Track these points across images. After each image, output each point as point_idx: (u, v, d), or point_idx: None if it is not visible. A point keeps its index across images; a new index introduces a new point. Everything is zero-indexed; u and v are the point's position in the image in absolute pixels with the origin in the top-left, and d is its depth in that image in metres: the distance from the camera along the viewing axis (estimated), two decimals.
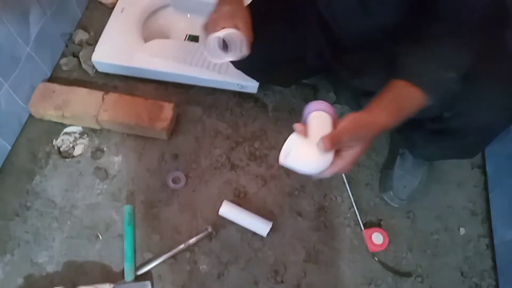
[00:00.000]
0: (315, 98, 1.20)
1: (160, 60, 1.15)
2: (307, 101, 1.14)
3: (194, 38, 1.30)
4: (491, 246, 1.02)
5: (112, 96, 1.12)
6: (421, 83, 0.61)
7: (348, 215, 1.05)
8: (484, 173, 1.10)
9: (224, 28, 0.76)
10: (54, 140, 1.12)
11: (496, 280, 0.98)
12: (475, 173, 1.11)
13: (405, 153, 1.04)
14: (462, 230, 1.04)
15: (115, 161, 1.10)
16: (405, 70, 0.63)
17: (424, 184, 1.05)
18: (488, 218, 1.05)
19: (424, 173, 1.04)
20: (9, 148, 1.08)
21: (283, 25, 0.87)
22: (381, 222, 1.04)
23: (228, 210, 1.01)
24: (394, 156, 1.06)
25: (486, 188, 1.08)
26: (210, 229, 1.00)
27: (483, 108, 0.71)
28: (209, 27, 0.78)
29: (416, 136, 0.90)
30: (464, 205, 1.07)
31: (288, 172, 1.09)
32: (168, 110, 1.10)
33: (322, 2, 0.82)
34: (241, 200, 1.06)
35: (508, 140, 1.00)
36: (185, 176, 1.07)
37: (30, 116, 1.14)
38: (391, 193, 1.03)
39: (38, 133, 1.13)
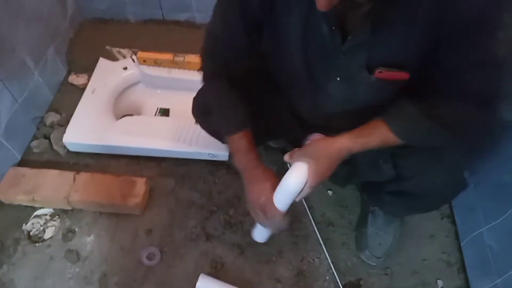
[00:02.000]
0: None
1: (131, 137, 1.18)
2: (277, 165, 1.20)
3: (164, 112, 1.35)
4: None
5: (83, 176, 1.12)
6: (388, 119, 0.68)
7: (327, 277, 1.04)
8: (453, 222, 1.13)
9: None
10: (24, 224, 1.10)
11: None
12: (445, 223, 1.14)
13: (376, 210, 1.07)
14: (440, 283, 1.04)
15: (87, 241, 1.08)
16: (385, 111, 0.70)
17: (398, 240, 1.07)
18: (463, 268, 1.06)
19: (397, 228, 1.06)
20: None
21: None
22: (361, 282, 1.04)
23: (204, 284, 0.99)
24: (366, 214, 1.09)
25: (457, 238, 1.11)
26: None
27: (429, 174, 0.75)
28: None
29: (381, 195, 0.93)
30: (438, 256, 1.08)
31: None
32: (140, 185, 1.11)
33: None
34: (218, 272, 1.04)
35: (468, 193, 1.03)
36: (160, 251, 1.06)
37: None
38: (367, 252, 1.04)
39: (7, 220, 1.10)
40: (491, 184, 0.94)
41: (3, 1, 1.04)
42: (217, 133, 0.97)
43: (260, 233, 0.91)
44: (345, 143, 0.70)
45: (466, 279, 1.04)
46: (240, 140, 0.79)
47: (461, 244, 1.07)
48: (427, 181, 0.76)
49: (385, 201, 0.96)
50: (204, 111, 0.91)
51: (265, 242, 1.06)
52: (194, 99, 0.95)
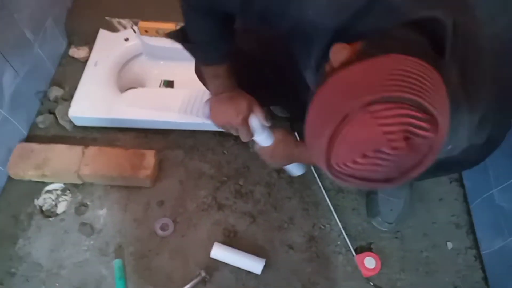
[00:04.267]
0: (292, 129, 1.23)
1: (137, 109, 1.17)
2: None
3: (169, 83, 1.33)
4: (479, 257, 1.05)
5: (92, 150, 1.12)
6: None
7: (339, 242, 1.06)
8: (462, 186, 1.14)
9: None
10: (35, 200, 1.10)
11: None
12: (454, 187, 1.15)
13: None
14: (450, 245, 1.06)
15: (100, 214, 1.09)
16: None
17: (409, 205, 1.08)
18: (472, 230, 1.08)
19: (407, 193, 1.07)
20: None
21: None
22: (372, 246, 1.06)
23: (219, 252, 1.01)
24: None
25: (466, 201, 1.12)
26: (203, 274, 0.98)
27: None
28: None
29: None
30: (448, 219, 1.10)
31: (275, 206, 1.10)
32: (150, 158, 1.11)
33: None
34: (231, 240, 1.05)
35: None
36: (173, 222, 1.07)
37: (9, 178, 1.12)
38: (379, 218, 1.05)
39: (19, 195, 1.11)
40: (503, 145, 0.94)
41: None
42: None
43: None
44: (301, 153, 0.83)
45: (475, 240, 1.06)
46: (218, 68, 0.78)
47: (471, 206, 1.09)
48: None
49: None
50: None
51: (276, 209, 1.08)
52: None
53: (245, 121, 0.81)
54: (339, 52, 0.50)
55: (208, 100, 0.86)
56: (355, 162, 0.44)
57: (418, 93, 0.42)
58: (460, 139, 0.60)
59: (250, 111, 0.81)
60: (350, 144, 0.44)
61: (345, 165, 0.45)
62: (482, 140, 0.68)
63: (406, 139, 0.42)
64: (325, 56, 0.54)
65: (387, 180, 0.47)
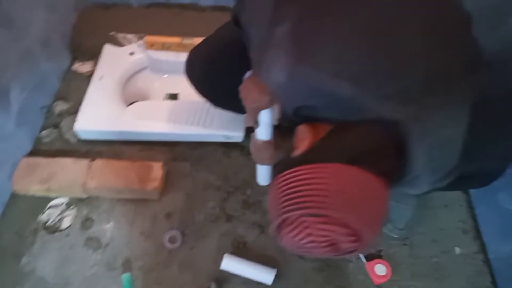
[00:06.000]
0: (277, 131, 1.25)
1: (144, 122, 1.17)
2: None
3: (173, 96, 1.34)
4: (487, 261, 1.05)
5: (98, 163, 1.11)
6: None
7: None
8: (467, 191, 1.16)
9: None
10: (39, 215, 1.08)
11: None
12: (458, 193, 1.16)
13: None
14: (458, 250, 1.07)
15: (106, 228, 1.07)
16: None
17: (416, 210, 1.09)
18: (478, 235, 1.09)
19: (414, 199, 1.09)
20: None
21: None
22: (381, 253, 1.06)
23: (230, 264, 1.00)
24: None
25: (470, 206, 1.13)
26: (214, 286, 0.97)
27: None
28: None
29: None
30: (454, 225, 1.11)
31: None
32: (157, 170, 1.10)
33: None
34: (241, 251, 1.05)
35: None
36: (181, 234, 1.06)
37: (12, 194, 1.10)
38: (390, 225, 1.06)
39: (22, 211, 1.09)
40: None
41: None
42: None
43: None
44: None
45: (482, 245, 1.07)
46: None
47: (476, 211, 1.10)
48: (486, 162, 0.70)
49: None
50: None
51: None
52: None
53: (270, 103, 0.83)
54: (301, 135, 0.63)
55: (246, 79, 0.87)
56: (296, 248, 0.57)
57: (343, 209, 0.51)
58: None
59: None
60: (288, 241, 0.56)
61: (286, 243, 0.57)
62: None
63: (331, 245, 0.53)
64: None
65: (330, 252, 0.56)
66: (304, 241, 0.54)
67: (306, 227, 0.53)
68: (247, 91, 0.83)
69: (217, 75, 0.96)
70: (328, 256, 0.57)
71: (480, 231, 1.09)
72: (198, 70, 0.99)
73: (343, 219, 0.51)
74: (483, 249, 1.07)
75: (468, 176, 0.73)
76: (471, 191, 1.14)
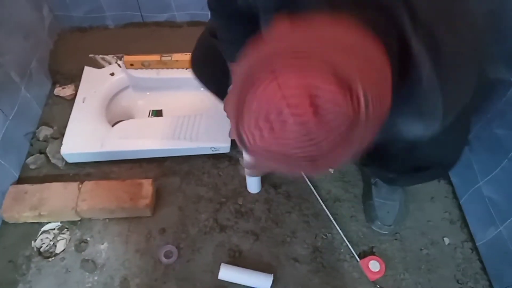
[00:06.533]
0: None
1: (129, 140, 1.18)
2: None
3: (157, 113, 1.35)
4: (475, 248, 1.09)
5: (88, 185, 1.11)
6: None
7: (342, 250, 1.08)
8: (450, 183, 1.20)
9: None
10: (32, 242, 1.08)
11: (489, 280, 1.04)
12: (443, 185, 1.20)
13: (378, 181, 1.12)
14: (447, 240, 1.11)
15: (101, 249, 1.07)
16: None
17: (404, 205, 1.12)
18: (465, 224, 1.13)
19: (401, 195, 1.12)
20: None
21: None
22: (373, 249, 1.09)
23: (227, 273, 1.01)
24: (369, 187, 1.14)
25: (455, 197, 1.17)
26: None
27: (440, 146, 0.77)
28: None
29: (385, 174, 0.99)
30: (441, 216, 1.15)
31: (277, 221, 1.12)
32: (147, 187, 1.11)
33: None
34: (237, 260, 1.06)
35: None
36: (177, 248, 1.07)
37: (3, 222, 1.10)
38: (378, 222, 1.08)
39: (14, 239, 1.08)
40: (484, 140, 1.01)
41: None
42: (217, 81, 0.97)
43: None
44: None
45: (469, 233, 1.11)
46: None
47: (461, 202, 1.14)
48: (437, 153, 0.76)
49: (389, 178, 1.01)
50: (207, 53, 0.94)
51: (277, 224, 1.10)
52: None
53: None
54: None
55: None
56: (260, 129, 0.41)
57: (336, 62, 0.39)
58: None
59: None
60: (254, 110, 0.42)
61: (253, 135, 0.43)
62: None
63: (312, 106, 0.39)
64: None
65: (310, 160, 0.43)
66: (295, 92, 0.39)
67: (276, 77, 0.39)
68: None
69: (221, 70, 0.93)
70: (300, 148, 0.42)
71: (467, 220, 1.13)
72: (202, 67, 1.02)
73: (330, 64, 0.39)
74: (470, 237, 1.11)
75: (426, 168, 0.82)
76: (455, 182, 1.18)
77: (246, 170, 0.95)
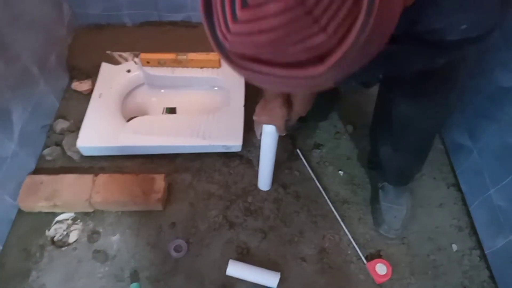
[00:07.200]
0: (294, 146, 1.29)
1: (144, 136, 1.20)
2: (286, 150, 1.25)
3: (171, 111, 1.37)
4: (483, 256, 1.09)
5: (102, 177, 1.14)
6: None
7: (349, 252, 1.09)
8: (460, 190, 1.20)
9: None
10: (46, 231, 1.11)
11: None
12: (452, 191, 1.20)
13: (385, 185, 1.13)
14: (454, 247, 1.11)
15: (113, 241, 1.09)
16: None
17: (411, 210, 1.13)
18: (474, 231, 1.13)
19: (408, 199, 1.12)
20: (0, 248, 1.06)
21: None
22: (381, 253, 1.09)
23: (235, 269, 1.03)
24: (376, 191, 1.14)
25: (465, 204, 1.17)
26: None
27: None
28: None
29: (383, 164, 1.04)
30: (449, 223, 1.15)
31: (285, 221, 1.13)
32: (160, 182, 1.13)
33: None
34: (244, 257, 1.07)
35: (472, 160, 1.11)
36: (186, 242, 1.09)
37: (19, 211, 1.13)
38: (385, 226, 1.09)
39: (29, 227, 1.11)
40: (495, 149, 1.01)
41: (2, 7, 1.03)
42: None
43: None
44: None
45: (478, 241, 1.11)
46: None
47: (470, 209, 1.14)
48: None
49: (386, 167, 1.05)
50: None
51: (286, 224, 1.11)
52: None
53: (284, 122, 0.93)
54: None
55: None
56: (239, 22, 0.38)
57: None
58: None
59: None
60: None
61: (234, 29, 0.39)
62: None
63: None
64: None
65: (314, 59, 0.38)
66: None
67: None
68: (261, 112, 0.92)
69: None
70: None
71: (476, 227, 1.13)
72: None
73: None
74: (479, 245, 1.11)
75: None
76: (464, 189, 1.18)
77: (258, 128, 1.00)
